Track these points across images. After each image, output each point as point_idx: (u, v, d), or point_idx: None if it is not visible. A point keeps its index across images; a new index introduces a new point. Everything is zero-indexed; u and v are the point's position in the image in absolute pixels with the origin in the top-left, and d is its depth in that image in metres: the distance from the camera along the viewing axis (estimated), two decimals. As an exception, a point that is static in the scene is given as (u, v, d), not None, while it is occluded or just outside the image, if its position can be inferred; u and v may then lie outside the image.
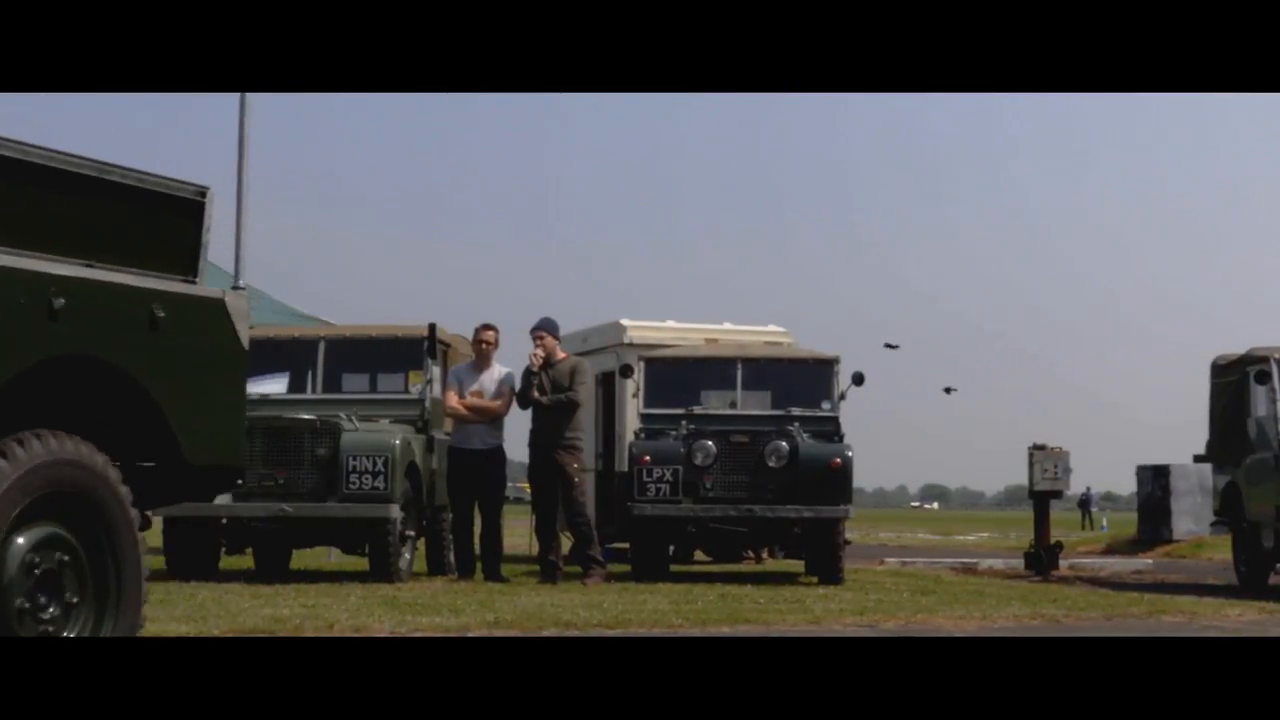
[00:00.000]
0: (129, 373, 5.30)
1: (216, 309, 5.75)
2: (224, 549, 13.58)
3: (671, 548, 14.96)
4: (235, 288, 5.61)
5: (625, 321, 17.40)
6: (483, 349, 13.86)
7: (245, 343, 5.86)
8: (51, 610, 5.07)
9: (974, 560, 20.65)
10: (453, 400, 13.64)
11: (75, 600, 5.19)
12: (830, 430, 14.50)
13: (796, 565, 15.92)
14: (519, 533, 17.87)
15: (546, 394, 13.45)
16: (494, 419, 13.67)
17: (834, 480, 13.91)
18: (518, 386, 13.64)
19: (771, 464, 13.91)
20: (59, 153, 5.13)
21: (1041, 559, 16.86)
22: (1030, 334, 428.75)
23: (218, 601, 10.17)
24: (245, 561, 14.44)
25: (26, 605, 4.98)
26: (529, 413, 13.65)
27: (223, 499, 12.68)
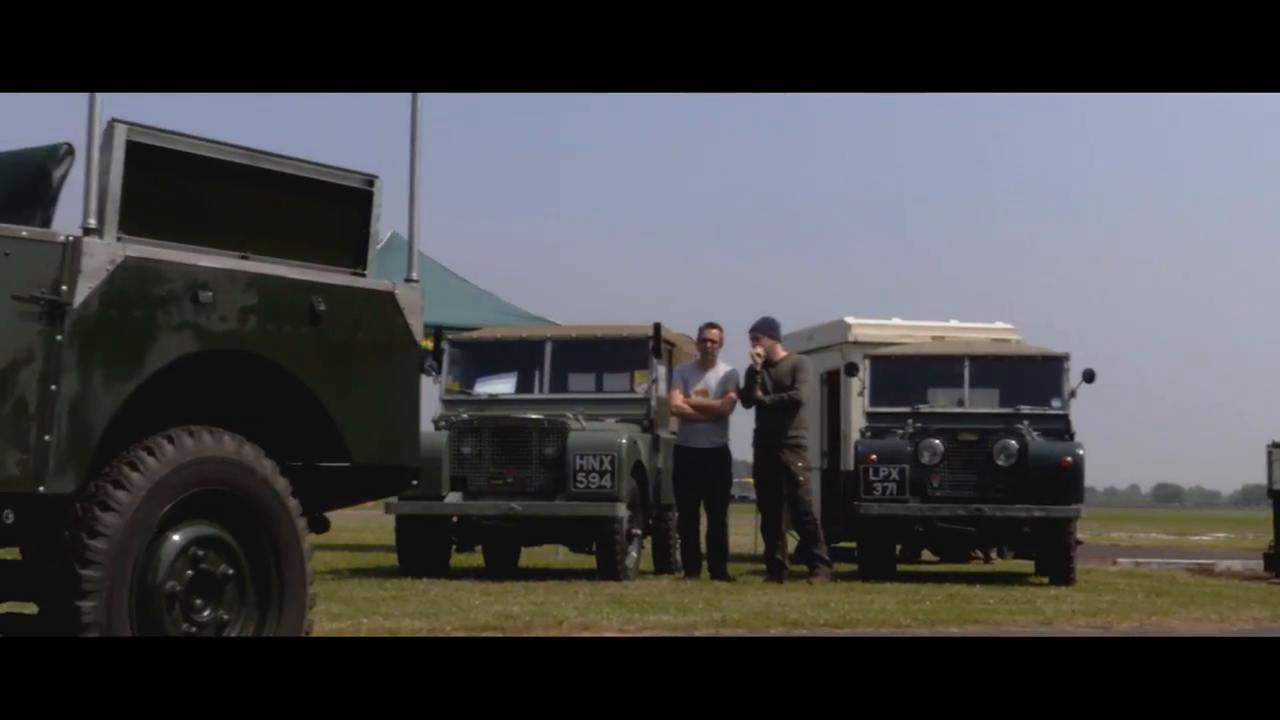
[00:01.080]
0: (288, 369, 5.19)
1: (386, 302, 5.56)
2: (454, 547, 13.80)
3: (898, 547, 14.84)
4: (408, 280, 5.68)
5: (850, 319, 17.29)
6: (708, 348, 13.90)
7: (419, 337, 5.70)
8: (207, 612, 4.99)
9: (1210, 561, 20.12)
10: (678, 399, 13.69)
11: (233, 600, 5.10)
12: (1060, 428, 14.26)
13: (1026, 565, 15.68)
14: (744, 531, 17.86)
15: (769, 393, 13.43)
16: (719, 418, 13.69)
17: (1065, 479, 13.67)
18: (742, 385, 13.65)
19: (1000, 462, 13.73)
20: (221, 143, 5.05)
21: (1282, 560, 16.37)
22: (1272, 325, 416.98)
23: (449, 598, 10.34)
24: (475, 559, 14.66)
25: (180, 605, 4.91)
26: (754, 411, 13.64)
27: (453, 497, 12.92)
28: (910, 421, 14.16)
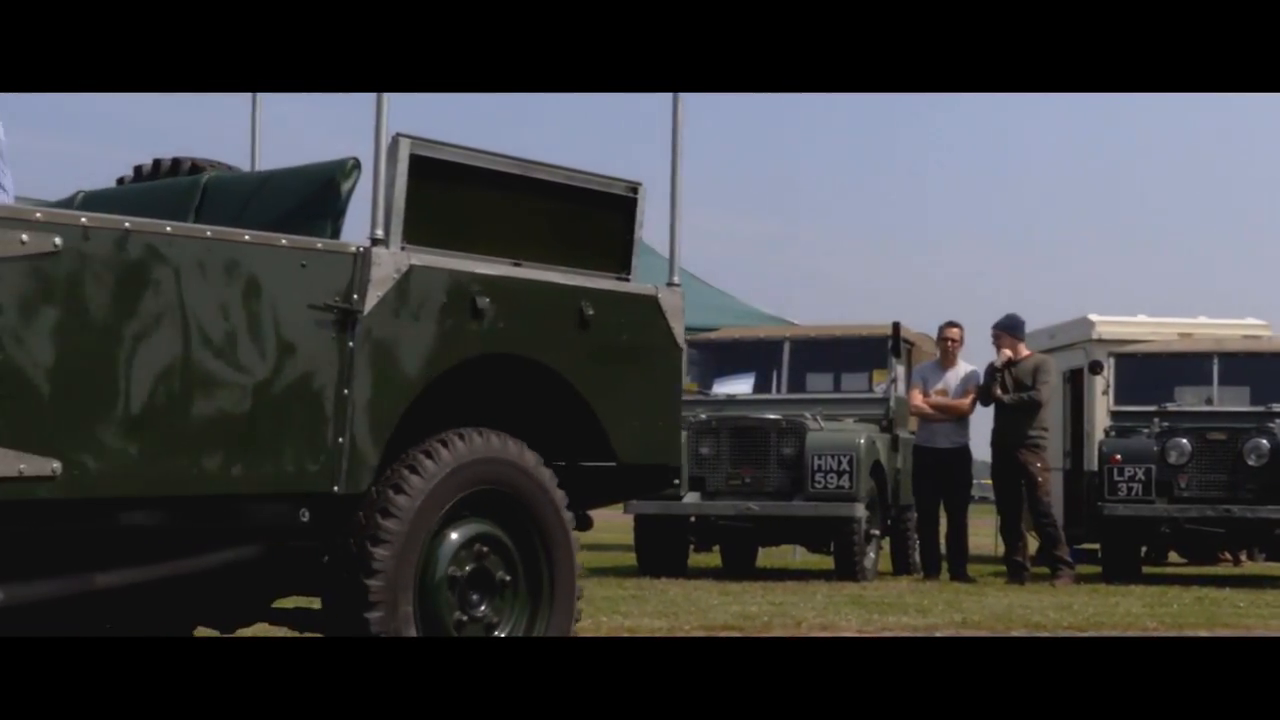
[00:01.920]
0: (559, 371, 5.33)
1: (650, 306, 5.69)
2: (693, 546, 13.88)
3: (1144, 549, 14.55)
4: (670, 284, 5.83)
5: (1094, 317, 16.99)
6: (948, 347, 13.79)
7: (680, 340, 5.83)
8: (483, 608, 5.16)
9: None
10: (917, 399, 13.61)
11: (508, 596, 5.25)
12: (1316, 425, 13.86)
13: (1278, 568, 15.26)
14: (984, 533, 17.67)
15: (1009, 392, 13.28)
16: (959, 418, 13.57)
17: (1320, 478, 13.29)
18: (983, 384, 13.52)
19: (1251, 462, 13.37)
20: (495, 154, 5.17)
21: None
22: None
23: (688, 598, 10.41)
24: (712, 559, 14.72)
25: (458, 602, 5.08)
26: (993, 410, 13.50)
27: (691, 497, 13.00)
28: (1156, 420, 13.87)
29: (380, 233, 4.78)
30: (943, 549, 13.56)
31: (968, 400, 13.49)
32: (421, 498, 4.90)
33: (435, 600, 5.00)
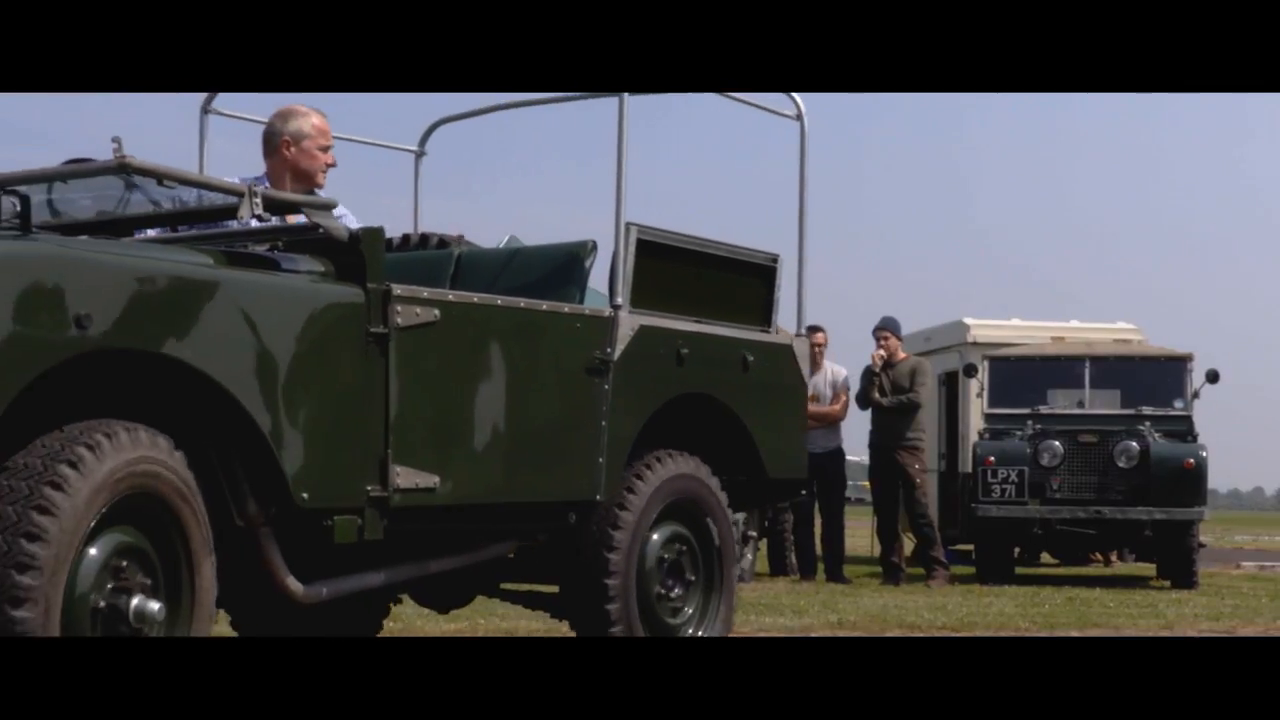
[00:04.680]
0: (728, 405, 6.51)
1: (787, 352, 6.93)
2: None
3: (1017, 550, 14.71)
4: (798, 335, 7.16)
5: (968, 320, 17.15)
6: (814, 351, 13.83)
7: (806, 379, 7.09)
8: (676, 592, 6.29)
9: (1339, 565, 19.75)
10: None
11: (691, 583, 6.38)
12: (1183, 430, 14.07)
13: (1147, 569, 15.47)
14: (860, 534, 17.79)
15: (887, 395, 13.37)
16: (833, 424, 13.61)
17: (1187, 481, 13.50)
18: (854, 387, 13.59)
19: (1121, 464, 13.57)
20: (687, 235, 6.34)
21: None
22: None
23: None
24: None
25: (660, 591, 6.20)
26: (869, 413, 13.58)
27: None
28: (1030, 423, 14.02)
29: (619, 300, 5.95)
30: (819, 550, 13.62)
31: (839, 407, 13.53)
32: (640, 506, 6.06)
33: (648, 586, 6.13)
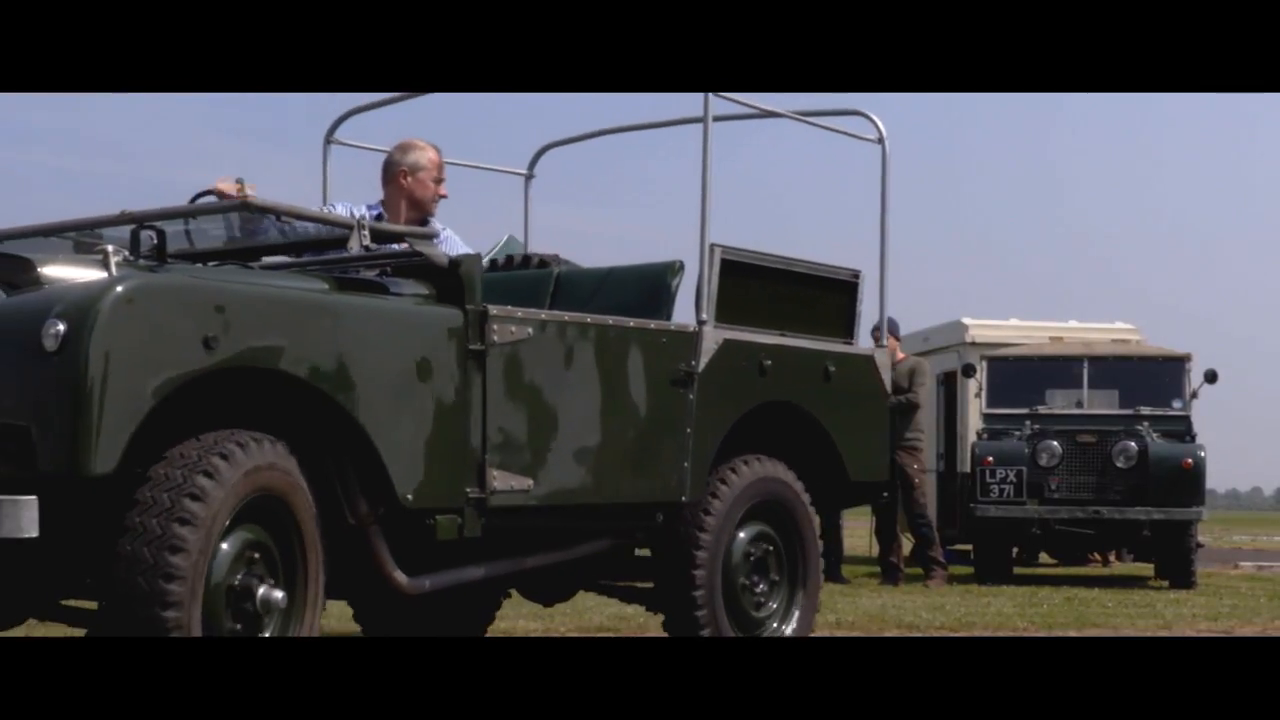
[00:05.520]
0: (811, 413, 6.94)
1: (868, 363, 7.35)
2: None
3: (1015, 550, 14.71)
4: (879, 345, 7.63)
5: (967, 320, 17.14)
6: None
7: (888, 387, 7.53)
8: (760, 587, 6.74)
9: (1336, 565, 19.74)
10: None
11: (776, 580, 6.86)
12: (1181, 430, 14.08)
13: (1145, 569, 15.48)
14: (859, 534, 17.78)
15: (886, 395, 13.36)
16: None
17: (1185, 481, 13.51)
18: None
19: (1120, 464, 13.58)
20: (769, 254, 6.77)
21: None
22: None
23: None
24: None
25: (745, 583, 6.66)
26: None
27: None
28: (1028, 423, 14.03)
29: (704, 316, 6.40)
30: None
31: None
32: (726, 507, 6.52)
33: (733, 580, 6.59)
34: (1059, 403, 14.62)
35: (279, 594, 4.83)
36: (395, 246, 5.73)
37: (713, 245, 6.41)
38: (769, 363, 6.67)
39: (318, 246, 5.81)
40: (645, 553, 6.85)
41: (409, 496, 5.19)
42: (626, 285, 6.67)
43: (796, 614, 6.93)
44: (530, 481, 5.64)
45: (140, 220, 5.09)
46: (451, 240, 6.56)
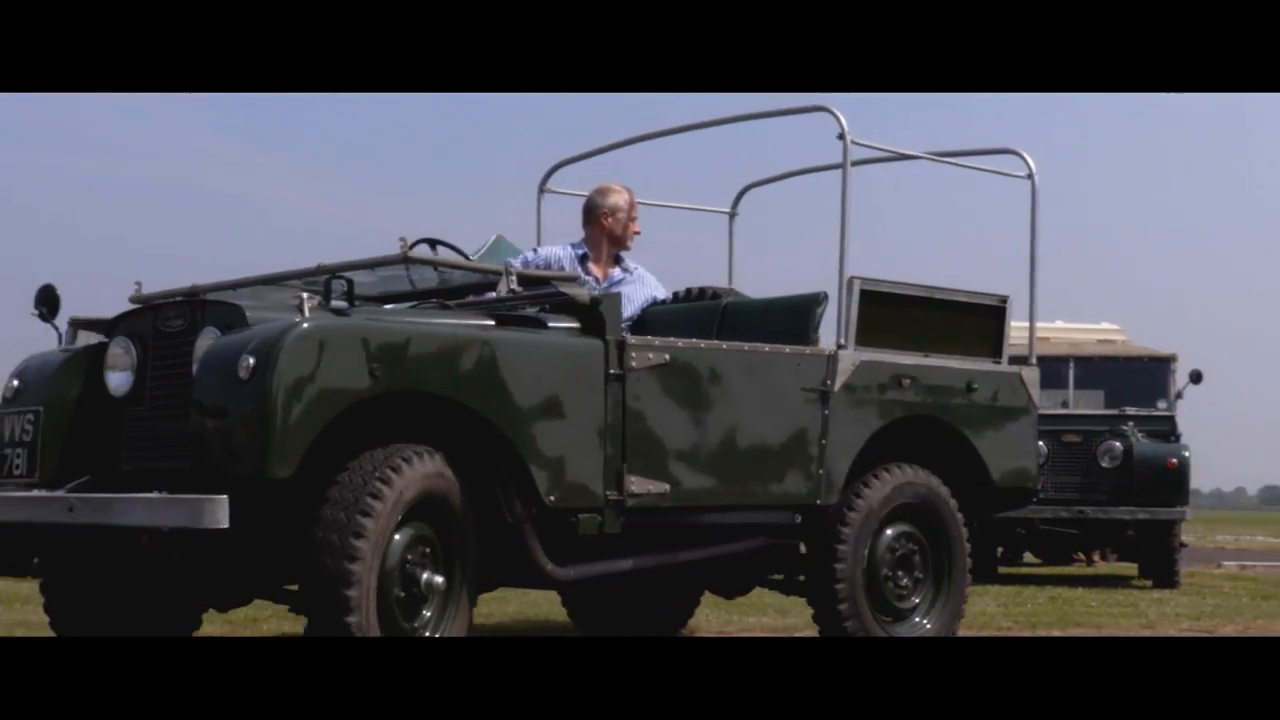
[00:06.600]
0: (953, 425, 7.57)
1: (1014, 379, 7.93)
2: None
3: (1000, 549, 14.74)
4: (1029, 364, 8.16)
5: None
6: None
7: (1036, 400, 8.10)
8: (904, 581, 7.32)
9: (1319, 565, 19.81)
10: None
11: (920, 577, 7.41)
12: (1166, 430, 14.13)
13: (1129, 568, 15.54)
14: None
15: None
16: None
17: (1170, 481, 13.56)
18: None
19: (1105, 464, 13.62)
20: (907, 283, 7.38)
21: (1393, 565, 16.11)
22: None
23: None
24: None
25: (887, 574, 7.26)
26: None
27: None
28: (1013, 422, 14.02)
29: (843, 341, 7.05)
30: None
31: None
32: (868, 509, 7.12)
33: (876, 574, 7.19)
34: (1044, 402, 14.57)
35: (439, 579, 5.71)
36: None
37: (852, 277, 7.08)
38: (908, 380, 7.32)
39: (471, 291, 6.78)
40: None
41: (552, 498, 5.98)
42: (779, 314, 7.37)
43: (940, 611, 7.47)
44: (666, 485, 6.38)
45: (332, 271, 6.02)
46: (642, 277, 7.78)
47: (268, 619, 8.59)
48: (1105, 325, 17.41)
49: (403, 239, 6.03)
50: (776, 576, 7.56)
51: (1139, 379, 14.57)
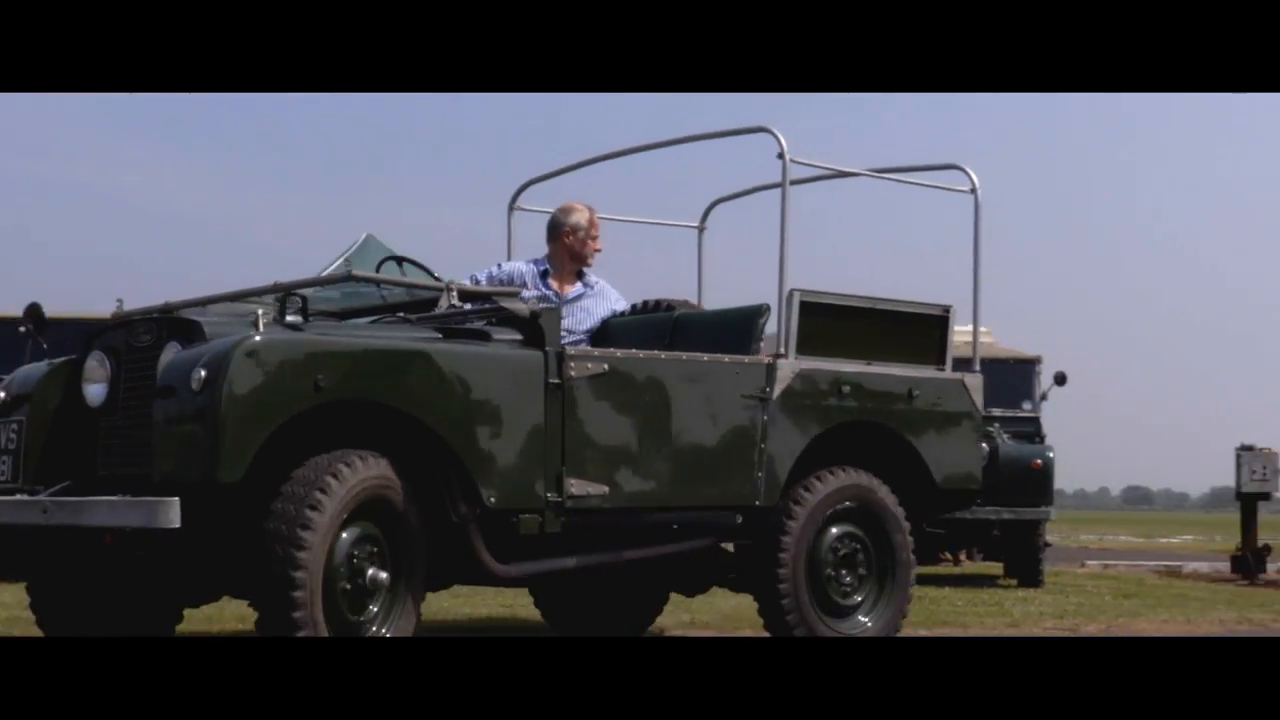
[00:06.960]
0: (895, 429, 7.84)
1: (957, 385, 8.15)
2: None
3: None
4: (973, 371, 8.39)
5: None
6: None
7: (979, 406, 8.29)
8: (847, 579, 7.63)
9: (1178, 563, 20.19)
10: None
11: (863, 575, 7.72)
12: (1031, 431, 14.35)
13: (995, 568, 15.75)
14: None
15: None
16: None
17: (1035, 481, 13.77)
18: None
19: (973, 465, 13.75)
20: (847, 295, 7.69)
21: (1249, 562, 16.42)
22: (1239, 330, 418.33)
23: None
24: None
25: (830, 574, 7.56)
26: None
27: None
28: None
29: (782, 350, 7.40)
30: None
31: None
32: (809, 509, 7.46)
33: (819, 573, 7.49)
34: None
35: (384, 575, 6.05)
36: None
37: (792, 290, 7.41)
38: (848, 388, 7.60)
39: (415, 308, 7.11)
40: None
41: (493, 500, 6.31)
42: (725, 325, 7.71)
43: (884, 608, 7.76)
44: (606, 488, 6.69)
45: (287, 289, 6.35)
46: (603, 290, 8.16)
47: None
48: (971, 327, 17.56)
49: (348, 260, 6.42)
50: (732, 575, 7.80)
51: (1004, 380, 14.71)
